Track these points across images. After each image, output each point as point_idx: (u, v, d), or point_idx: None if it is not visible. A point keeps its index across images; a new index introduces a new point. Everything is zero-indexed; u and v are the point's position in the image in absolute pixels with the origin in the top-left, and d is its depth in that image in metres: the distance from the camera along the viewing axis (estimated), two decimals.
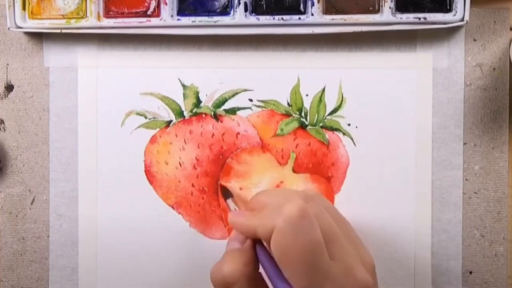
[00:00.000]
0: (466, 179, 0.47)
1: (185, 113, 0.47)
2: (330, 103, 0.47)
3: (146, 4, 0.45)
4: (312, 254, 0.34)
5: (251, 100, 0.47)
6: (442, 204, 0.47)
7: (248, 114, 0.47)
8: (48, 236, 0.47)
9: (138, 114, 0.47)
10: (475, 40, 0.46)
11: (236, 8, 0.45)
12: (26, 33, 0.46)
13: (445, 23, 0.44)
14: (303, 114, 0.47)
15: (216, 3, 0.45)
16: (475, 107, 0.47)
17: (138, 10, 0.45)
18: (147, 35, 0.45)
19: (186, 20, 0.45)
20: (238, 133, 0.47)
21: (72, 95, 0.47)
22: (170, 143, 0.47)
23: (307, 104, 0.47)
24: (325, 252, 0.35)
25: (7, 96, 0.47)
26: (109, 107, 0.47)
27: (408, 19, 0.45)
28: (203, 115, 0.47)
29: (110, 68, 0.47)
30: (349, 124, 0.47)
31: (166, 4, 0.45)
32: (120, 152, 0.47)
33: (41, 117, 0.47)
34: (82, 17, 0.45)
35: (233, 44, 0.46)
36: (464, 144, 0.47)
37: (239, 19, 0.45)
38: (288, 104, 0.47)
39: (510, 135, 0.47)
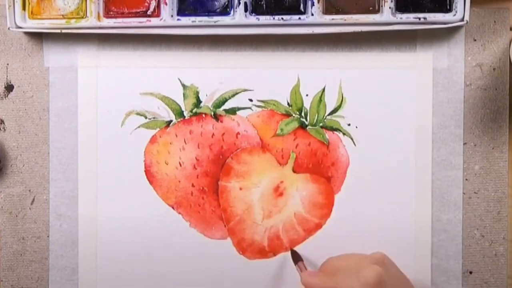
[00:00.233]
0: (466, 179, 0.47)
1: (185, 113, 0.47)
2: (330, 103, 0.47)
3: (146, 4, 0.45)
4: None
5: (251, 100, 0.47)
6: (442, 204, 0.47)
7: (248, 114, 0.47)
8: (48, 236, 0.47)
9: (138, 114, 0.47)
10: (475, 40, 0.46)
11: (236, 8, 0.45)
12: (26, 33, 0.46)
13: (445, 23, 0.44)
14: (303, 114, 0.47)
15: (216, 3, 0.45)
16: (475, 107, 0.47)
17: (138, 10, 0.45)
18: (147, 35, 0.45)
19: (186, 20, 0.45)
20: (238, 133, 0.47)
21: (72, 95, 0.47)
22: (170, 143, 0.47)
23: (307, 104, 0.47)
24: None
25: (7, 96, 0.47)
26: (109, 107, 0.47)
27: (408, 19, 0.44)
28: (203, 115, 0.47)
29: (110, 68, 0.47)
30: (349, 124, 0.47)
31: (166, 4, 0.45)
32: (120, 152, 0.47)
33: (41, 117, 0.47)
34: (82, 17, 0.45)
35: (233, 44, 0.46)
36: (464, 144, 0.47)
37: (239, 19, 0.45)
38: (288, 104, 0.47)
39: (510, 135, 0.47)
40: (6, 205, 0.47)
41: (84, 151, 0.47)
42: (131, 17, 0.45)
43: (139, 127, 0.47)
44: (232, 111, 0.47)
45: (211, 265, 0.47)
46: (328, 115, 0.47)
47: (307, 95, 0.47)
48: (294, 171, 0.47)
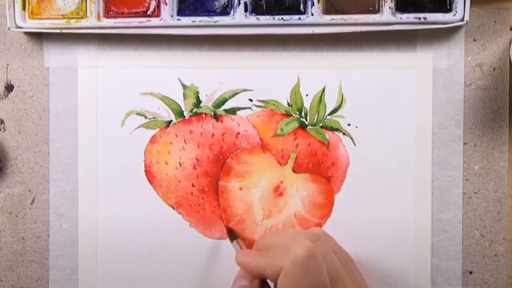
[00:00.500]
0: (466, 179, 0.47)
1: (185, 113, 0.47)
2: (330, 103, 0.47)
3: (146, 4, 0.45)
4: None
5: (251, 100, 0.47)
6: (442, 204, 0.47)
7: (248, 114, 0.47)
8: (48, 236, 0.47)
9: (138, 114, 0.47)
10: (475, 40, 0.46)
11: (236, 8, 0.45)
12: (26, 33, 0.46)
13: (445, 23, 0.44)
14: (303, 114, 0.47)
15: (216, 3, 0.45)
16: (475, 107, 0.47)
17: (138, 10, 0.45)
18: (147, 35, 0.45)
19: (186, 20, 0.45)
20: (238, 133, 0.47)
21: (72, 95, 0.47)
22: (170, 143, 0.47)
23: (307, 104, 0.47)
24: (339, 285, 0.37)
25: (7, 96, 0.47)
26: (109, 107, 0.47)
27: (408, 19, 0.45)
28: (203, 115, 0.47)
29: (110, 68, 0.47)
30: (349, 124, 0.47)
31: (166, 4, 0.45)
32: (120, 152, 0.47)
33: (41, 117, 0.47)
34: (82, 17, 0.45)
35: (233, 44, 0.46)
36: (464, 144, 0.47)
37: (239, 19, 0.45)
38: (288, 104, 0.47)
39: (510, 135, 0.47)
40: (6, 205, 0.47)
41: (84, 151, 0.47)
42: (131, 17, 0.45)
43: (139, 127, 0.47)
44: (232, 111, 0.47)
45: (211, 265, 0.47)
46: (328, 115, 0.47)
47: (307, 95, 0.47)
48: (294, 171, 0.47)
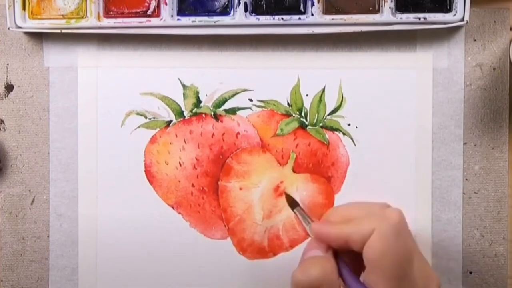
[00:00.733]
0: (466, 179, 0.47)
1: (185, 113, 0.47)
2: (330, 103, 0.47)
3: (146, 4, 0.45)
4: (405, 260, 0.37)
5: (251, 100, 0.47)
6: (442, 204, 0.47)
7: (248, 114, 0.47)
8: (48, 236, 0.47)
9: (138, 114, 0.47)
10: (475, 40, 0.46)
11: (236, 8, 0.45)
12: (26, 33, 0.46)
13: (445, 23, 0.44)
14: (303, 114, 0.47)
15: (216, 3, 0.45)
16: (475, 107, 0.47)
17: (138, 10, 0.45)
18: (147, 35, 0.45)
19: (186, 20, 0.45)
20: (238, 133, 0.47)
21: (72, 95, 0.47)
22: (170, 143, 0.47)
23: (307, 104, 0.47)
24: (415, 259, 0.37)
25: (7, 96, 0.47)
26: (109, 107, 0.47)
27: (408, 19, 0.45)
28: (203, 115, 0.47)
29: (110, 68, 0.47)
30: (349, 124, 0.47)
31: (166, 4, 0.45)
32: (120, 152, 0.47)
33: (41, 117, 0.47)
34: (82, 17, 0.45)
35: (233, 44, 0.46)
36: (464, 144, 0.47)
37: (239, 19, 0.45)
38: (288, 104, 0.47)
39: (510, 135, 0.47)
40: (6, 205, 0.47)
41: (84, 151, 0.47)
42: (131, 17, 0.45)
43: (139, 127, 0.47)
44: (232, 111, 0.47)
45: (211, 265, 0.47)
46: (328, 115, 0.47)
47: (307, 95, 0.47)
48: (294, 171, 0.47)
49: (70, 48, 0.47)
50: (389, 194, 0.46)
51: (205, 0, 0.45)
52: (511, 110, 0.47)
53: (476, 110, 0.47)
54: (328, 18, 0.45)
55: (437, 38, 0.46)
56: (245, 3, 0.45)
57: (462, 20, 0.44)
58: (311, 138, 0.47)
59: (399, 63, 0.46)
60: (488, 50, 0.46)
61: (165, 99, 0.47)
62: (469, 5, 0.44)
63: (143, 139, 0.47)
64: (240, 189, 0.47)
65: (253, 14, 0.45)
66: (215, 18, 0.45)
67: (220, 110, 0.47)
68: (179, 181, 0.47)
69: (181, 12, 0.45)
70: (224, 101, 0.47)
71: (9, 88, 0.47)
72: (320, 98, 0.47)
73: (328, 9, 0.45)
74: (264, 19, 0.45)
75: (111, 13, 0.45)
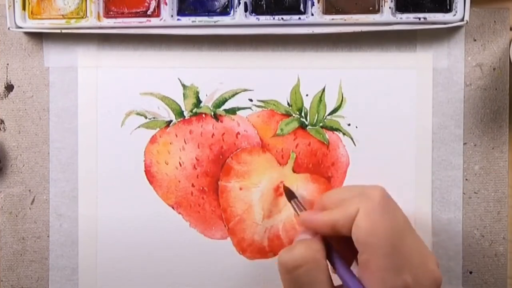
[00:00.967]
0: (466, 179, 0.47)
1: (185, 113, 0.47)
2: (330, 103, 0.47)
3: (146, 4, 0.45)
4: (397, 235, 0.36)
5: (251, 100, 0.47)
6: (442, 204, 0.47)
7: (248, 114, 0.47)
8: (48, 236, 0.47)
9: (138, 114, 0.47)
10: (475, 40, 0.46)
11: (236, 8, 0.45)
12: (26, 33, 0.46)
13: (445, 23, 0.44)
14: (303, 114, 0.47)
15: (216, 3, 0.45)
16: (475, 107, 0.47)
17: (138, 10, 0.45)
18: (147, 35, 0.45)
19: (186, 20, 0.45)
20: (238, 133, 0.47)
21: (72, 95, 0.47)
22: (170, 143, 0.47)
23: (307, 104, 0.47)
24: (408, 236, 0.37)
25: (7, 96, 0.47)
26: (109, 107, 0.47)
27: (408, 19, 0.45)
28: (203, 115, 0.47)
29: (110, 68, 0.47)
30: (349, 124, 0.47)
31: (166, 4, 0.45)
32: (120, 152, 0.47)
33: (41, 117, 0.47)
34: (82, 17, 0.45)
35: (233, 44, 0.46)
36: (464, 144, 0.47)
37: (239, 19, 0.45)
38: (288, 104, 0.47)
39: (510, 135, 0.47)
40: (6, 205, 0.47)
41: (84, 151, 0.47)
42: (131, 17, 0.45)
43: (139, 127, 0.47)
44: (232, 111, 0.47)
45: (211, 265, 0.47)
46: (328, 115, 0.47)
47: (307, 95, 0.47)
48: (294, 171, 0.47)
49: (70, 48, 0.47)
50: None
51: (205, 0, 0.45)
52: (511, 110, 0.47)
53: (476, 110, 0.47)
54: (328, 18, 0.45)
55: (437, 38, 0.46)
56: (245, 3, 0.45)
57: (462, 20, 0.44)
58: (311, 138, 0.47)
59: (399, 63, 0.46)
60: (488, 50, 0.46)
61: (165, 99, 0.47)
62: (469, 5, 0.44)
63: (143, 139, 0.47)
64: (240, 189, 0.47)
65: (253, 14, 0.45)
66: (215, 18, 0.45)
67: (220, 110, 0.47)
68: (179, 181, 0.47)
69: (181, 12, 0.45)
70: (224, 101, 0.47)
71: (9, 88, 0.47)
72: (320, 98, 0.47)
73: (328, 9, 0.45)
74: (264, 19, 0.45)
75: (111, 13, 0.45)
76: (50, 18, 0.45)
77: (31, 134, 0.47)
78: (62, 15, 0.45)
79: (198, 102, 0.47)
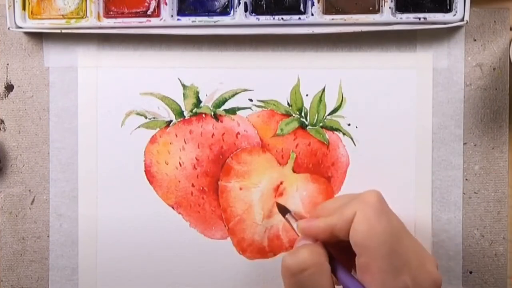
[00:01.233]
0: (466, 179, 0.47)
1: (185, 113, 0.47)
2: (330, 103, 0.47)
3: (146, 4, 0.45)
4: (394, 238, 0.36)
5: (251, 100, 0.47)
6: (442, 204, 0.47)
7: (248, 114, 0.47)
8: (48, 236, 0.47)
9: (138, 114, 0.47)
10: (475, 40, 0.46)
11: (236, 8, 0.45)
12: (26, 33, 0.46)
13: (445, 23, 0.44)
14: (303, 114, 0.47)
15: (216, 3, 0.45)
16: (475, 107, 0.47)
17: (138, 10, 0.45)
18: (147, 35, 0.45)
19: (186, 20, 0.45)
20: (238, 133, 0.47)
21: (72, 95, 0.47)
22: (170, 143, 0.47)
23: (307, 104, 0.47)
24: (405, 238, 0.37)
25: (7, 96, 0.47)
26: (109, 107, 0.47)
27: (408, 19, 0.45)
28: (203, 115, 0.47)
29: (110, 68, 0.47)
30: (349, 124, 0.47)
31: (166, 4, 0.45)
32: (120, 152, 0.47)
33: (41, 117, 0.47)
34: (82, 17, 0.45)
35: (233, 44, 0.46)
36: (464, 144, 0.47)
37: (239, 19, 0.45)
38: (288, 104, 0.47)
39: (510, 135, 0.47)
40: (6, 205, 0.47)
41: (84, 151, 0.47)
42: (131, 17, 0.45)
43: (139, 127, 0.47)
44: (232, 111, 0.47)
45: (211, 265, 0.47)
46: (328, 115, 0.47)
47: (307, 95, 0.47)
48: (294, 171, 0.47)
49: (70, 48, 0.47)
50: (389, 194, 0.46)
51: (205, 0, 0.45)
52: (511, 110, 0.47)
53: (476, 110, 0.47)
54: (328, 18, 0.45)
55: (437, 38, 0.46)
56: (245, 3, 0.45)
57: (462, 20, 0.44)
58: (311, 138, 0.47)
59: (399, 63, 0.46)
60: (488, 50, 0.46)
61: (165, 99, 0.47)
62: (469, 5, 0.44)
63: (143, 139, 0.47)
64: (240, 189, 0.47)
65: (253, 14, 0.45)
66: (215, 18, 0.45)
67: (220, 110, 0.47)
68: (179, 181, 0.47)
69: (181, 12, 0.45)
70: (224, 101, 0.47)
71: (9, 88, 0.47)
72: (320, 98, 0.47)
73: (328, 9, 0.45)
74: (264, 19, 0.45)
75: (111, 13, 0.45)
76: (50, 18, 0.45)
77: (31, 134, 0.47)
78: (62, 15, 0.45)
79: (198, 102, 0.47)
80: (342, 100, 0.47)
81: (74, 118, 0.47)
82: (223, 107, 0.47)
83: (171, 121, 0.47)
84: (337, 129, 0.47)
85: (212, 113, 0.47)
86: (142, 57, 0.47)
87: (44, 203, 0.47)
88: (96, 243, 0.47)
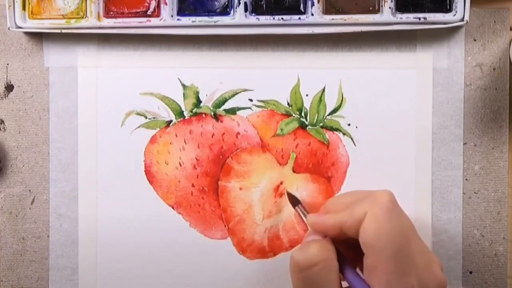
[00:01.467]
0: (466, 179, 0.47)
1: (185, 113, 0.47)
2: (330, 103, 0.47)
3: (146, 4, 0.45)
4: (403, 239, 0.36)
5: (251, 100, 0.47)
6: (442, 204, 0.47)
7: (248, 114, 0.47)
8: (48, 236, 0.47)
9: (138, 114, 0.47)
10: (475, 40, 0.46)
11: (236, 8, 0.45)
12: (26, 33, 0.46)
13: (445, 23, 0.44)
14: (303, 114, 0.47)
15: (216, 3, 0.45)
16: (475, 107, 0.47)
17: (138, 10, 0.45)
18: (147, 35, 0.45)
19: (186, 20, 0.45)
20: (238, 133, 0.47)
21: (72, 95, 0.47)
22: (170, 143, 0.47)
23: (307, 104, 0.47)
24: (413, 239, 0.37)
25: (7, 96, 0.47)
26: (109, 107, 0.47)
27: (408, 19, 0.45)
28: (203, 115, 0.47)
29: (110, 68, 0.47)
30: (349, 124, 0.47)
31: (166, 4, 0.45)
32: (120, 152, 0.47)
33: (41, 117, 0.47)
34: (82, 17, 0.45)
35: (233, 44, 0.46)
36: (464, 144, 0.47)
37: (239, 19, 0.45)
38: (288, 104, 0.47)
39: (510, 135, 0.47)
40: (6, 205, 0.47)
41: (84, 151, 0.47)
42: (131, 17, 0.45)
43: (139, 127, 0.47)
44: (232, 111, 0.47)
45: (211, 265, 0.47)
46: (328, 115, 0.47)
47: (307, 95, 0.47)
48: (294, 171, 0.47)
49: (70, 48, 0.47)
50: None
51: (205, 0, 0.45)
52: (511, 110, 0.47)
53: (476, 110, 0.47)
54: (328, 18, 0.45)
55: (437, 38, 0.46)
56: (245, 3, 0.45)
57: (462, 20, 0.44)
58: (311, 138, 0.47)
59: (399, 63, 0.46)
60: (488, 50, 0.46)
61: (165, 99, 0.47)
62: (469, 5, 0.44)
63: (143, 139, 0.47)
64: (240, 189, 0.47)
65: (253, 14, 0.45)
66: (215, 18, 0.45)
67: (220, 110, 0.47)
68: (179, 181, 0.47)
69: (181, 12, 0.45)
70: (224, 101, 0.47)
71: (9, 88, 0.47)
72: (320, 98, 0.47)
73: (328, 9, 0.45)
74: (264, 19, 0.45)
75: (111, 13, 0.45)
76: (50, 18, 0.45)
77: (31, 134, 0.47)
78: (62, 15, 0.45)
79: (198, 102, 0.47)
80: (342, 100, 0.47)
81: (74, 118, 0.47)
82: (223, 107, 0.47)
83: (171, 121, 0.47)
84: (337, 129, 0.47)
85: (212, 113, 0.47)
86: (142, 57, 0.47)
87: (44, 203, 0.47)
88: (96, 243, 0.47)
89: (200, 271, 0.47)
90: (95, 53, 0.47)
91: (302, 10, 0.45)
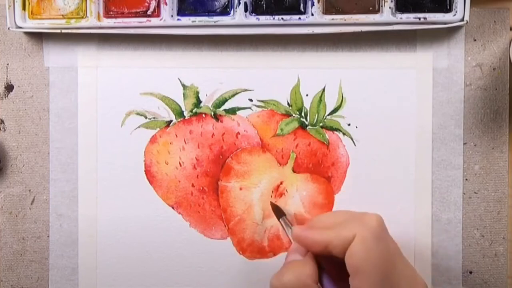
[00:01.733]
0: (466, 179, 0.47)
1: (185, 113, 0.47)
2: (330, 103, 0.47)
3: (146, 4, 0.45)
4: (390, 264, 0.37)
5: (251, 100, 0.47)
6: (442, 204, 0.47)
7: (248, 114, 0.47)
8: (48, 236, 0.47)
9: (138, 114, 0.47)
10: (475, 40, 0.46)
11: (236, 8, 0.45)
12: (26, 33, 0.46)
13: (445, 23, 0.44)
14: (303, 114, 0.47)
15: (216, 3, 0.45)
16: (475, 107, 0.47)
17: (138, 10, 0.45)
18: (147, 35, 0.45)
19: (186, 20, 0.45)
20: (238, 133, 0.47)
21: (72, 95, 0.47)
22: (170, 143, 0.47)
23: (307, 104, 0.47)
24: (399, 264, 0.38)
25: (7, 96, 0.47)
26: (109, 107, 0.47)
27: (408, 19, 0.44)
28: (203, 115, 0.47)
29: (110, 68, 0.47)
30: (349, 124, 0.47)
31: (166, 4, 0.45)
32: (120, 152, 0.47)
33: (41, 117, 0.47)
34: (82, 17, 0.45)
35: (233, 44, 0.46)
36: (464, 144, 0.47)
37: (239, 19, 0.45)
38: (288, 104, 0.47)
39: (510, 135, 0.47)
40: (6, 205, 0.47)
41: (84, 151, 0.47)
42: (131, 17, 0.45)
43: (139, 127, 0.47)
44: (232, 111, 0.47)
45: (211, 265, 0.47)
46: (328, 115, 0.47)
47: (307, 95, 0.47)
48: (294, 171, 0.47)
49: (70, 48, 0.47)
50: (389, 194, 0.46)
51: (205, 0, 0.45)
52: (511, 110, 0.47)
53: (476, 110, 0.47)
54: (328, 18, 0.45)
55: (437, 38, 0.46)
56: (245, 3, 0.45)
57: (462, 20, 0.44)
58: (311, 138, 0.47)
59: (399, 63, 0.46)
60: (488, 50, 0.46)
61: (165, 99, 0.47)
62: (469, 5, 0.44)
63: (143, 139, 0.47)
64: (240, 189, 0.47)
65: (253, 14, 0.45)
66: (215, 18, 0.45)
67: (220, 110, 0.47)
68: (179, 181, 0.47)
69: (181, 12, 0.45)
70: (224, 101, 0.47)
71: (9, 88, 0.47)
72: (320, 98, 0.47)
73: (328, 9, 0.45)
74: (264, 19, 0.45)
75: (111, 13, 0.45)
76: (50, 18, 0.45)
77: (31, 134, 0.47)
78: (62, 15, 0.45)
79: (198, 102, 0.47)
80: (342, 100, 0.47)
81: (74, 118, 0.47)
82: (223, 107, 0.47)
83: (171, 121, 0.47)
84: (337, 129, 0.47)
85: (212, 113, 0.47)
86: (142, 57, 0.47)
87: (44, 203, 0.47)
88: (96, 243, 0.47)
89: (200, 271, 0.47)
90: (95, 53, 0.47)
91: (302, 10, 0.45)
